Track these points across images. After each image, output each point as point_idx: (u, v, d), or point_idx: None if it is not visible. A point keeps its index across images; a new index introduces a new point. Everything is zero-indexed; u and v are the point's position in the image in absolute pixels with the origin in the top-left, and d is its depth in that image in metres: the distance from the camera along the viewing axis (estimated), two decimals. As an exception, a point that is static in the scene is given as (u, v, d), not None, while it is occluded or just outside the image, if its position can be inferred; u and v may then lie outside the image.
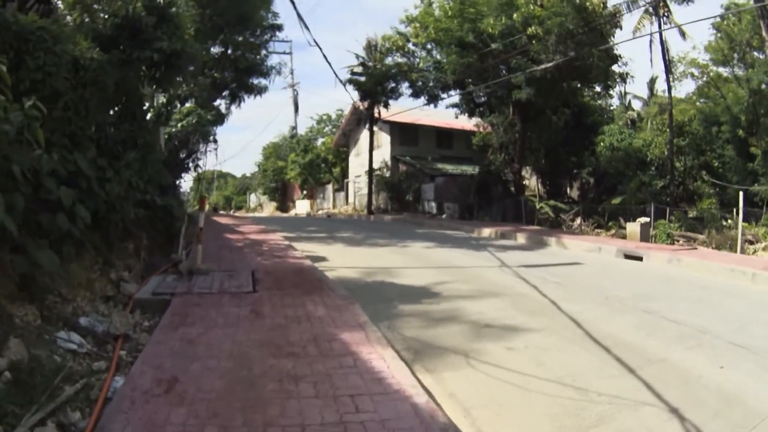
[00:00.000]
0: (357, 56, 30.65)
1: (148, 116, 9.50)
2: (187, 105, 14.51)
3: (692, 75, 28.17)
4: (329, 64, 40.29)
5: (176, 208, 9.57)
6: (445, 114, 34.27)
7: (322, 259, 11.09)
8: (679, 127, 24.64)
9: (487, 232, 18.09)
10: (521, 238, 16.38)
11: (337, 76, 34.71)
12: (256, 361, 4.51)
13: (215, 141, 15.67)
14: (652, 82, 37.48)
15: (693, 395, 4.36)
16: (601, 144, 26.44)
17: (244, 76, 21.67)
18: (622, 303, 7.69)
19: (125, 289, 7.56)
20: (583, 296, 8.19)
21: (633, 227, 18.31)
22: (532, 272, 10.06)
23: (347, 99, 54.04)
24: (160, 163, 9.16)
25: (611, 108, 34.03)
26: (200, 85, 15.92)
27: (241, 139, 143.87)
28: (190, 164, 14.25)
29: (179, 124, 13.49)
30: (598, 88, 27.03)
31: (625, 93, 37.87)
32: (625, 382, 4.61)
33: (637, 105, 39.03)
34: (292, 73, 46.76)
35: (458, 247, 14.02)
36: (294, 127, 49.57)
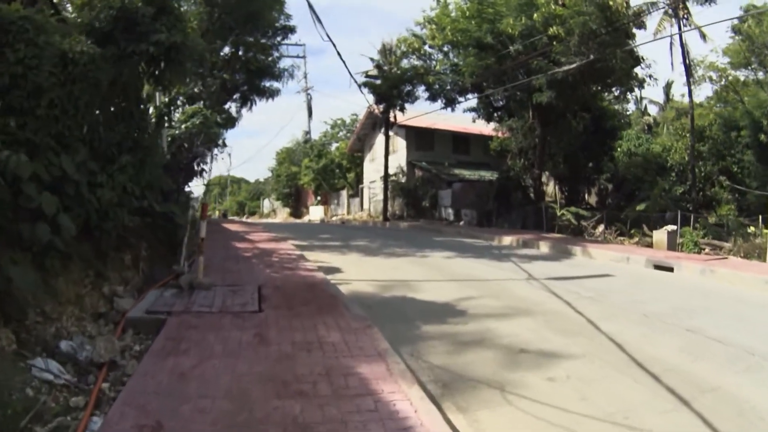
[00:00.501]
0: (372, 59, 29.97)
1: (149, 117, 8.81)
2: (193, 106, 13.81)
3: (710, 79, 27.27)
4: (344, 62, 38.98)
5: (179, 215, 8.85)
6: (461, 118, 33.43)
7: (336, 270, 10.36)
8: (699, 132, 23.85)
9: (508, 240, 17.28)
10: (544, 247, 15.56)
11: (351, 75, 33.92)
12: (257, 402, 3.77)
13: (224, 144, 14.90)
14: (668, 87, 36.97)
15: (750, 429, 3.97)
16: (619, 149, 25.76)
17: (255, 78, 21.04)
18: (662, 321, 7.01)
19: (119, 305, 6.89)
20: (619, 313, 7.46)
21: (659, 235, 17.40)
22: (562, 285, 9.28)
23: (362, 103, 53.52)
24: (161, 167, 8.48)
25: (627, 113, 33.30)
26: (208, 87, 15.30)
27: (255, 144, 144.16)
28: (196, 169, 13.51)
29: (183, 126, 12.82)
30: (616, 92, 26.06)
31: (641, 98, 37.31)
32: (681, 418, 4.10)
33: (652, 110, 38.73)
34: (305, 77, 46.21)
35: (480, 257, 13.23)
36: (308, 132, 49.02)
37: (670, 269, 11.56)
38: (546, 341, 6.02)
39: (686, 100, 26.47)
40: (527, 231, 21.24)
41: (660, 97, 38.70)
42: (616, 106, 29.78)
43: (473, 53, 24.04)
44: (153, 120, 9.78)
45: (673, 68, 35.72)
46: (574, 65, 20.10)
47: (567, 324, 6.82)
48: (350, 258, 12.52)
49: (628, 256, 12.88)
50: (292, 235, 18.61)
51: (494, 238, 18.00)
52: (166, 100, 9.75)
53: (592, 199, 30.96)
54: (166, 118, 9.56)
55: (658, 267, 11.89)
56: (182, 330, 5.44)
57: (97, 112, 6.99)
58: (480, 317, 7.07)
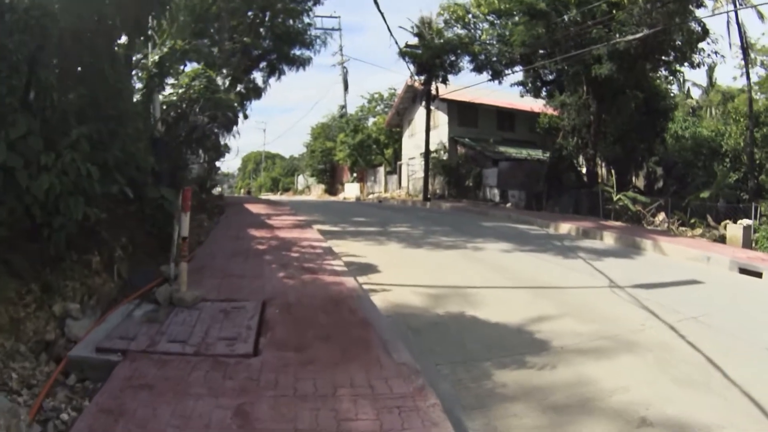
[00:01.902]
0: (413, 27, 27.44)
1: (129, 77, 6.85)
2: (195, 67, 11.69)
3: (763, 63, 24.87)
4: (382, 14, 34.25)
5: (171, 201, 6.88)
6: (506, 93, 31.36)
7: (372, 269, 8.32)
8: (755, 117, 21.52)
9: (565, 228, 15.02)
10: (609, 238, 13.27)
11: (391, 34, 31.17)
12: None
13: (235, 117, 12.53)
14: (710, 70, 35.58)
15: None
16: (670, 131, 24.21)
17: (284, 45, 18.94)
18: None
19: (71, 331, 5.09)
20: (738, 346, 5.42)
21: (734, 231, 14.99)
22: (653, 297, 7.08)
23: (399, 80, 51.03)
24: (144, 140, 6.51)
25: (672, 95, 31.16)
26: (225, 51, 13.32)
27: (292, 120, 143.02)
28: (194, 144, 11.32)
29: (180, 91, 10.78)
30: (664, 71, 23.94)
31: (684, 80, 35.23)
32: None
33: (695, 93, 38.01)
34: (341, 49, 43.98)
35: (542, 249, 11.04)
36: (343, 106, 46.70)
37: (758, 274, 9.32)
38: (668, 401, 4.05)
39: (731, 84, 25.45)
40: (582, 217, 18.98)
41: (702, 80, 37.70)
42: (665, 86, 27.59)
43: (523, 21, 21.92)
44: (143, 83, 7.81)
45: (731, 47, 33.47)
46: (639, 34, 17.78)
47: (684, 367, 4.76)
48: (389, 250, 10.46)
49: (708, 255, 10.58)
50: (323, 217, 16.64)
51: (549, 225, 15.75)
52: (156, 58, 7.76)
53: (640, 183, 28.60)
54: (158, 81, 7.59)
55: (743, 271, 9.65)
56: (128, 394, 3.48)
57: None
58: (569, 354, 4.98)
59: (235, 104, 15.51)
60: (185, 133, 10.07)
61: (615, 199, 20.02)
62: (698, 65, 22.45)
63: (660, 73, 24.22)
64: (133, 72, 7.94)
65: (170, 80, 9.89)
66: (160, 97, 9.48)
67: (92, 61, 6.08)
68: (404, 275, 7.98)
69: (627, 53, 19.21)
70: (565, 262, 9.84)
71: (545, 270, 8.96)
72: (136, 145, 6.08)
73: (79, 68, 6.10)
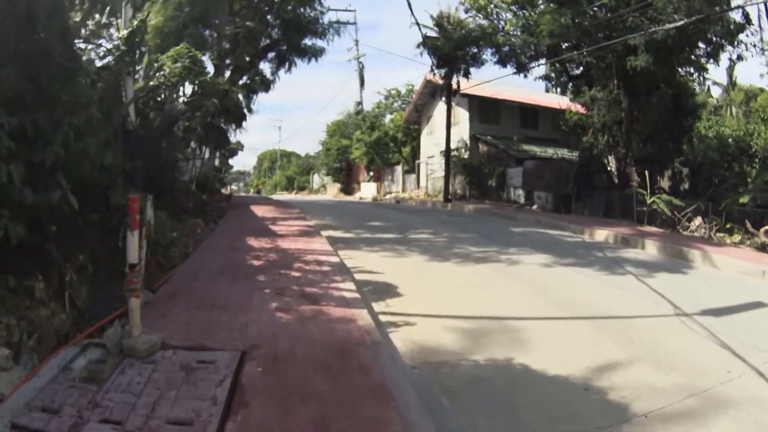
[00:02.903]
0: (432, 17, 25.86)
1: (77, 55, 5.47)
2: (177, 47, 10.07)
3: None
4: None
5: (143, 209, 5.49)
6: (528, 89, 29.91)
7: (390, 291, 6.89)
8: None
9: (602, 234, 13.52)
10: (650, 247, 11.75)
11: (412, 11, 29.25)
12: None
13: (238, 109, 10.92)
14: (731, 68, 33.95)
15: None
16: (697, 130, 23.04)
17: (294, 33, 17.49)
18: None
19: (-13, 391, 3.70)
20: None
21: None
22: (727, 330, 5.69)
23: (416, 75, 49.49)
24: (100, 133, 5.13)
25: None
26: (222, 35, 11.96)
27: (307, 116, 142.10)
28: (177, 138, 9.67)
29: (158, 74, 9.26)
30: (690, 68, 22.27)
31: (705, 78, 33.71)
32: None
33: (715, 92, 36.44)
34: (356, 44, 42.52)
35: (584, 263, 9.53)
36: (359, 103, 45.20)
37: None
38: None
39: (753, 82, 25.38)
40: (615, 221, 17.45)
41: (722, 78, 35.76)
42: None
43: (551, 9, 20.30)
44: (110, 62, 6.41)
45: (762, 40, 31.95)
46: (680, 22, 16.16)
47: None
48: (410, 263, 8.99)
49: (762, 268, 9.06)
50: (335, 221, 15.22)
51: (583, 231, 14.24)
52: (125, 33, 6.35)
53: (665, 184, 27.02)
54: (127, 59, 6.20)
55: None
56: None
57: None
58: (657, 424, 3.65)
59: (239, 95, 14.20)
60: (165, 125, 8.54)
61: (649, 201, 18.54)
62: (738, 59, 20.93)
63: (686, 69, 22.63)
64: (99, 51, 6.59)
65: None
66: (141, 82, 8.15)
67: (33, 34, 4.72)
68: (431, 300, 6.54)
69: (664, 44, 17.59)
70: (614, 280, 8.31)
71: (596, 291, 7.47)
72: (89, 139, 4.70)
73: (18, 42, 4.72)
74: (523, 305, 6.52)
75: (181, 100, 9.36)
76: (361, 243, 10.88)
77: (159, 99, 8.24)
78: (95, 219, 6.02)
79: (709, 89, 35.44)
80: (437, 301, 6.54)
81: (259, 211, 16.29)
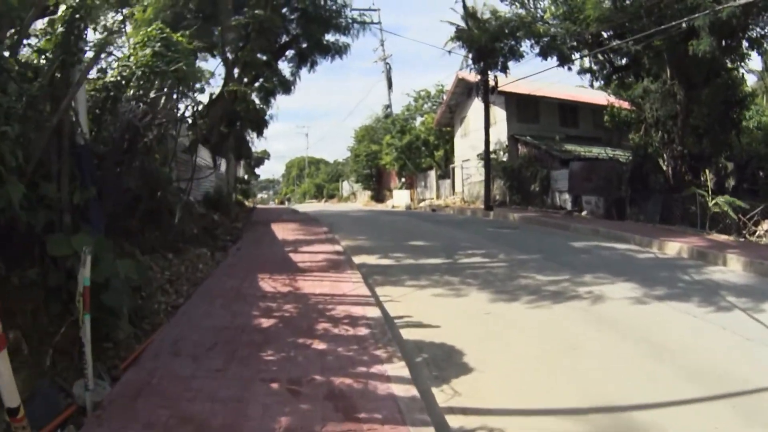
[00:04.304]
0: (464, 5, 23.71)
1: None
2: (149, 28, 7.82)
3: None
4: None
5: (101, 259, 3.57)
6: (565, 85, 28.41)
7: (454, 361, 4.93)
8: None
9: (673, 248, 11.44)
10: (734, 263, 9.61)
11: None
12: None
13: (248, 118, 8.79)
14: (766, 53, 30.75)
15: None
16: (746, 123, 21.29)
17: (315, 29, 15.56)
18: None
19: None
20: None
21: None
22: None
23: (446, 76, 47.38)
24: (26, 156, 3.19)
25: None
26: (227, 27, 10.13)
27: (334, 123, 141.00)
28: (139, 153, 7.40)
29: (119, 66, 7.16)
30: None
31: (744, 65, 31.57)
32: None
33: (749, 80, 33.35)
34: (382, 44, 40.54)
35: (680, 294, 7.48)
36: (388, 106, 43.24)
37: None
38: None
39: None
40: (676, 228, 15.57)
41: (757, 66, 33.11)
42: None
43: (596, -7, 18.46)
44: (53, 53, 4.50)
45: None
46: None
47: None
48: (470, 306, 6.93)
49: None
50: (369, 240, 13.21)
51: (651, 243, 12.11)
52: (65, 8, 4.45)
53: (708, 181, 24.67)
54: (73, 49, 4.32)
55: None
56: None
57: None
58: None
59: (252, 96, 12.24)
60: (126, 137, 6.38)
61: (711, 204, 16.26)
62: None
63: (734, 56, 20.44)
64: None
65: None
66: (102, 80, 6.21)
67: None
68: (514, 376, 4.57)
69: (728, 24, 15.58)
70: (724, 320, 6.20)
71: (714, 341, 5.49)
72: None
73: None
74: (640, 377, 4.55)
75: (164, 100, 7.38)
76: (403, 273, 8.84)
77: (109, 97, 6.21)
78: (31, 276, 4.11)
79: (743, 76, 33.42)
80: (522, 378, 4.55)
81: (281, 231, 14.25)
